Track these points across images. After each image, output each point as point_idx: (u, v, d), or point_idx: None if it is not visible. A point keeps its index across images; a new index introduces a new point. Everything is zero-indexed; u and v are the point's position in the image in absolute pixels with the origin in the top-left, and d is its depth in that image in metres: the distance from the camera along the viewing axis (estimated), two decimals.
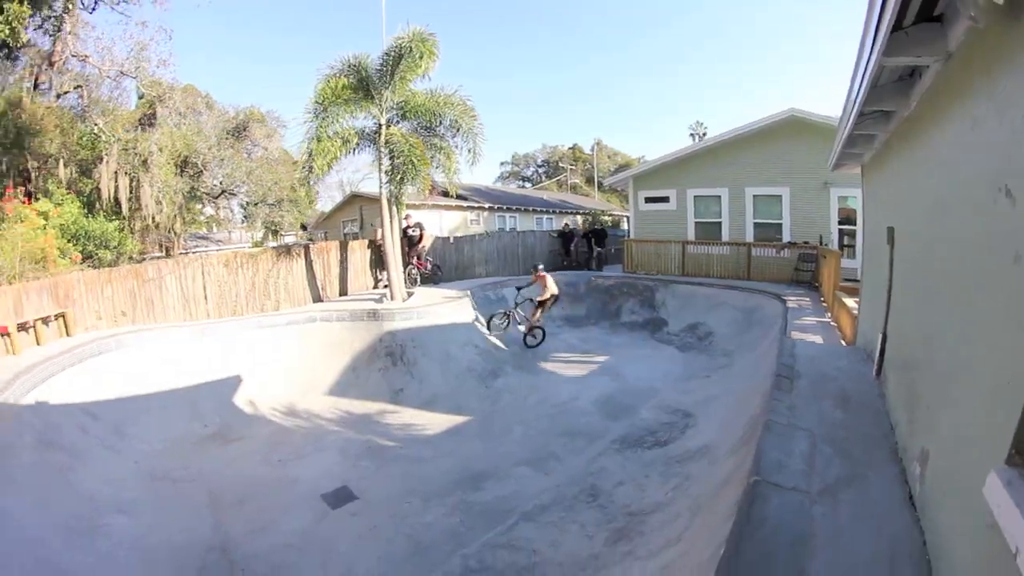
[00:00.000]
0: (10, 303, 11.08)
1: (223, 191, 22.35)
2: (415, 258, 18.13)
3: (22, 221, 13.83)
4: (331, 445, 10.48)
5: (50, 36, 18.21)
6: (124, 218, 18.00)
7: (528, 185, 64.69)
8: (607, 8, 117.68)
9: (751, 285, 16.64)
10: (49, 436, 8.91)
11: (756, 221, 19.76)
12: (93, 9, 18.53)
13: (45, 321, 11.83)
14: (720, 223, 20.35)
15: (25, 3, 15.46)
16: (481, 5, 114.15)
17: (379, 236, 17.97)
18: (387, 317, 14.52)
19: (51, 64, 18.93)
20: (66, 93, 19.94)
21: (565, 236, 24.24)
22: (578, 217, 32.01)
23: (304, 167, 15.28)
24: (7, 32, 14.47)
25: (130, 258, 16.19)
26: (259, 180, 21.10)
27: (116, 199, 18.05)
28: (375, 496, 8.40)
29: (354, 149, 15.77)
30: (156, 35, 19.56)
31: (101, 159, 18.02)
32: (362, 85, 15.21)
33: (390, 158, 15.54)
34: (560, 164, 67.24)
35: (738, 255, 18.67)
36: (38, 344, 11.44)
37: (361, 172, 41.45)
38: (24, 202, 14.62)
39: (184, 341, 12.94)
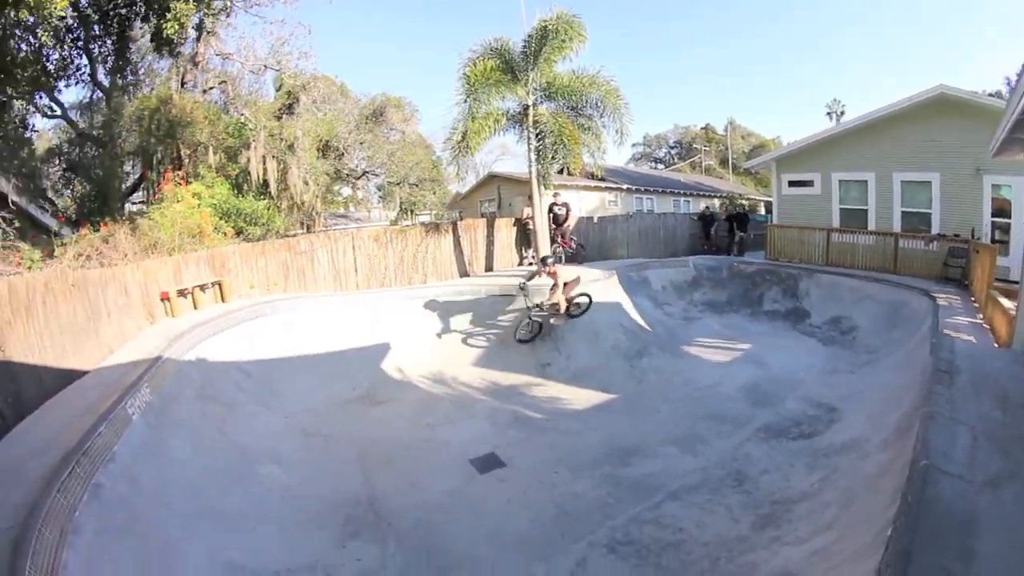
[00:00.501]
0: (170, 272, 11.52)
1: (364, 172, 22.81)
2: (560, 237, 17.63)
3: (179, 201, 14.44)
4: (479, 413, 10.48)
5: (194, 38, 18.99)
6: (272, 198, 18.64)
7: (660, 167, 60.70)
8: None
9: (897, 279, 15.14)
10: (208, 390, 9.18)
11: (903, 210, 17.90)
12: (229, 13, 19.15)
13: (203, 288, 12.26)
14: (866, 210, 18.61)
15: (191, 1, 16.12)
16: None
17: (525, 214, 17.99)
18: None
19: (195, 64, 19.89)
20: (211, 89, 20.91)
21: (705, 219, 23.18)
22: (715, 200, 30.47)
23: (455, 146, 15.21)
24: (175, 28, 15.06)
25: (277, 234, 16.73)
26: (400, 161, 21.32)
27: (264, 180, 18.73)
28: (523, 464, 8.34)
29: (501, 129, 15.71)
30: (295, 30, 20.21)
31: (248, 145, 18.75)
32: (507, 67, 14.96)
33: (538, 137, 15.22)
34: (693, 145, 63.60)
35: (884, 246, 16.75)
36: (195, 309, 11.88)
37: (493, 154, 41.32)
38: (180, 184, 15.32)
39: (335, 309, 13.17)
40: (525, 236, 18.48)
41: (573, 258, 18.13)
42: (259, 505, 6.98)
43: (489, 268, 18.30)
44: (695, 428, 9.28)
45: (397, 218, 28.10)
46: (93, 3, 16.71)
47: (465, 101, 14.77)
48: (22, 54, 14.38)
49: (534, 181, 15.70)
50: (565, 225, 17.72)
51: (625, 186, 26.39)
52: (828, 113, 62.70)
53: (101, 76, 18.71)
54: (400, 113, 24.84)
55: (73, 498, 4.91)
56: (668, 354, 13.46)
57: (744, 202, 30.22)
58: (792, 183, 20.38)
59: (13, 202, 13.08)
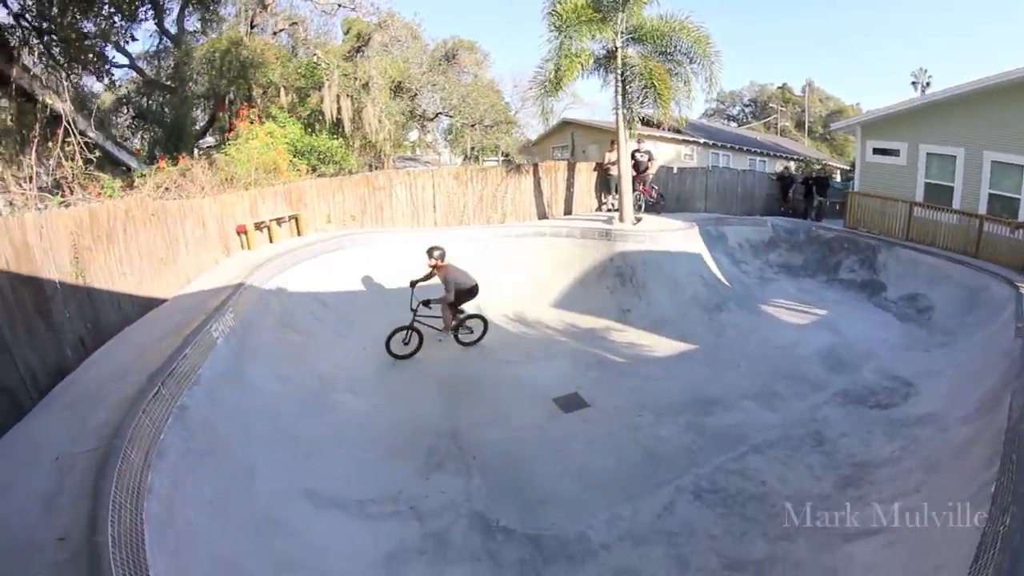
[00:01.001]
0: (247, 206, 11.38)
1: (437, 114, 22.30)
2: (641, 184, 16.76)
3: (253, 139, 14.24)
4: (560, 354, 10.27)
5: None
6: (345, 137, 18.23)
7: (734, 125, 56.09)
8: None
9: (978, 263, 13.90)
10: (286, 319, 9.05)
11: (991, 192, 16.03)
12: None
13: (279, 222, 12.08)
14: (952, 188, 16.78)
15: None
16: None
17: (608, 159, 17.03)
18: (620, 238, 13.68)
19: (264, 6, 19.48)
20: (280, 31, 20.44)
21: (784, 180, 21.62)
22: (791, 163, 28.74)
23: (546, 83, 14.35)
24: None
25: (350, 173, 16.28)
26: (474, 103, 20.73)
27: (337, 120, 18.19)
28: (606, 405, 8.17)
29: (587, 72, 14.62)
30: None
31: (320, 86, 18.18)
32: (597, 6, 13.89)
33: (627, 81, 14.24)
34: (768, 104, 59.22)
35: (968, 227, 15.18)
36: (271, 242, 11.70)
37: (563, 102, 40.30)
38: (253, 123, 15.09)
39: (412, 245, 12.55)
40: (605, 182, 17.70)
41: (653, 207, 17.40)
42: (337, 430, 6.94)
43: (568, 212, 17.70)
44: (773, 386, 9.04)
45: (464, 163, 27.72)
46: None
47: (557, 37, 13.92)
48: None
49: (620, 126, 14.69)
50: (646, 173, 16.90)
51: (702, 140, 25.25)
52: (913, 83, 56.92)
53: (167, 25, 18.55)
54: (472, 56, 24.13)
55: (158, 420, 4.68)
56: (745, 311, 12.98)
57: (819, 166, 28.76)
58: (877, 151, 18.81)
59: (90, 137, 12.82)
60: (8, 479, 3.73)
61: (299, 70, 18.89)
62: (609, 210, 17.20)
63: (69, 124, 11.17)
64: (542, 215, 16.95)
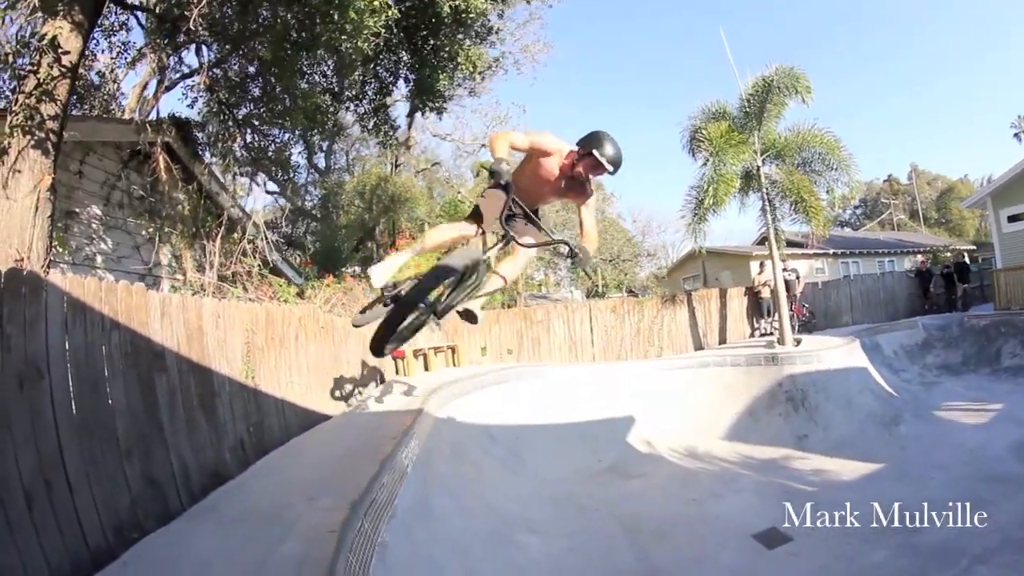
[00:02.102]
0: None
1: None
2: (792, 303, 15.92)
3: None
4: (745, 487, 9.28)
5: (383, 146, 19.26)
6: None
7: (848, 230, 53.83)
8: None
9: None
10: (458, 450, 8.34)
11: None
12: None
13: (436, 351, 11.78)
14: None
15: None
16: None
17: (757, 282, 16.76)
18: (786, 360, 12.86)
19: (407, 147, 20.20)
20: (422, 170, 21.16)
21: (922, 275, 19.98)
22: (918, 256, 26.98)
23: (695, 209, 14.19)
24: (468, 70, 14.06)
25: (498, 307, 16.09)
26: (612, 239, 20.60)
27: None
28: (809, 537, 7.21)
29: (736, 192, 14.32)
30: (510, 109, 19.92)
31: None
32: (739, 128, 14.05)
33: (769, 199, 14.11)
34: (880, 200, 55.60)
35: None
36: (426, 371, 11.33)
37: (681, 233, 39.73)
38: None
39: (575, 379, 12.22)
40: (757, 305, 17.08)
41: (805, 325, 16.56)
42: (524, 574, 6.12)
43: (723, 340, 16.81)
44: (976, 490, 8.04)
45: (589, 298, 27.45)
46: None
47: (707, 162, 13.89)
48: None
49: (772, 245, 14.31)
50: (795, 291, 16.15)
51: (831, 251, 24.27)
52: (1016, 134, 52.26)
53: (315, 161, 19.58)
54: (600, 193, 24.04)
55: (364, 560, 3.82)
56: (921, 420, 11.96)
57: (948, 254, 26.55)
58: (1012, 218, 17.34)
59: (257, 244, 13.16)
60: None
61: (443, 207, 19.37)
62: (762, 334, 16.58)
63: (245, 224, 11.39)
64: (698, 346, 16.11)
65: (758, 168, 13.94)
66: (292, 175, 16.59)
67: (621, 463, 10.30)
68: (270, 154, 12.90)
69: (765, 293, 16.13)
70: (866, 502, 8.03)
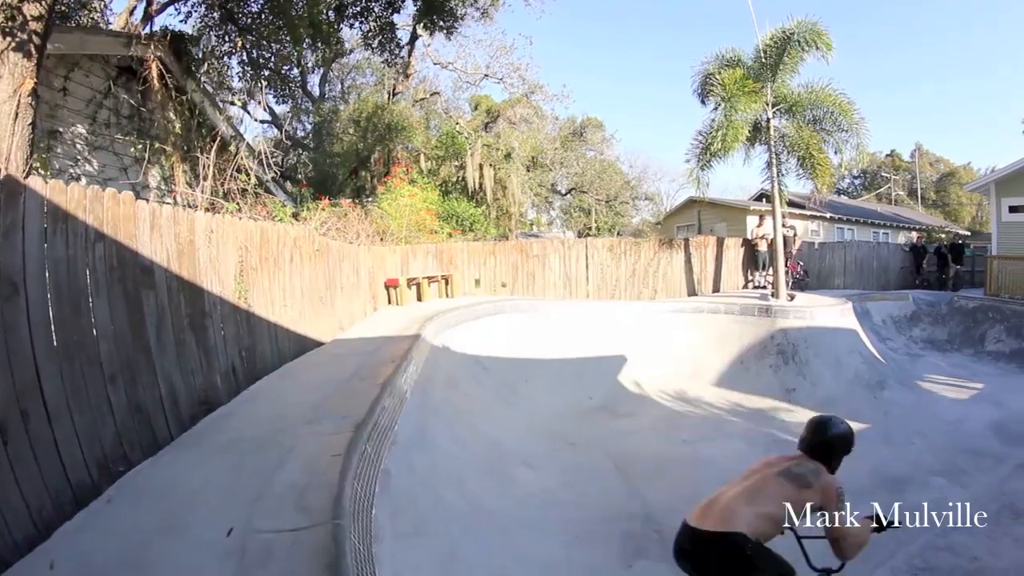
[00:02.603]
0: (398, 260, 10.97)
1: (571, 189, 21.68)
2: (787, 260, 15.71)
3: (403, 197, 13.79)
4: (734, 433, 9.24)
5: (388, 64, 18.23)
6: (487, 205, 17.80)
7: (844, 198, 53.42)
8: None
9: None
10: (451, 379, 8.16)
11: None
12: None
13: (429, 281, 11.47)
14: None
15: None
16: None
17: (756, 233, 16.39)
18: (780, 314, 12.71)
19: (407, 75, 19.13)
20: (421, 100, 20.15)
21: (917, 251, 19.91)
22: (912, 233, 26.77)
23: (699, 155, 13.67)
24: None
25: (494, 240, 15.72)
26: (610, 180, 20.08)
27: (479, 187, 17.75)
28: None
29: (743, 143, 13.73)
30: (516, 40, 19.11)
31: (457, 155, 17.98)
32: (753, 78, 13.33)
33: (776, 154, 13.66)
34: (879, 174, 54.01)
35: None
36: (419, 300, 11.05)
37: (677, 182, 39.12)
38: (399, 182, 14.64)
39: (569, 315, 12.00)
40: (753, 258, 16.74)
41: (798, 283, 16.33)
42: (521, 510, 5.89)
43: (716, 289, 16.46)
44: (954, 460, 8.45)
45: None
46: None
47: (718, 107, 13.33)
48: None
49: (776, 199, 14.03)
50: (791, 249, 15.84)
51: (828, 215, 23.83)
52: None
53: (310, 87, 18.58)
54: (600, 134, 23.68)
55: (368, 489, 3.51)
56: (905, 388, 11.94)
57: (943, 235, 26.58)
58: (1013, 208, 17.14)
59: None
60: (156, 556, 2.57)
61: (440, 138, 18.67)
62: (756, 287, 16.28)
63: (239, 144, 10.77)
64: (692, 292, 15.80)
65: (768, 120, 13.49)
66: (292, 91, 15.73)
67: (611, 402, 10.16)
68: (271, 65, 12.17)
69: (762, 246, 15.98)
70: (852, 460, 8.06)
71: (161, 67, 9.25)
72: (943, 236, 25.03)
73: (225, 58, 11.65)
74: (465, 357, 9.07)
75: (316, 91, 19.39)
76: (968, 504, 6.35)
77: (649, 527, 5.98)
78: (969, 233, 30.33)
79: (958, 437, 9.40)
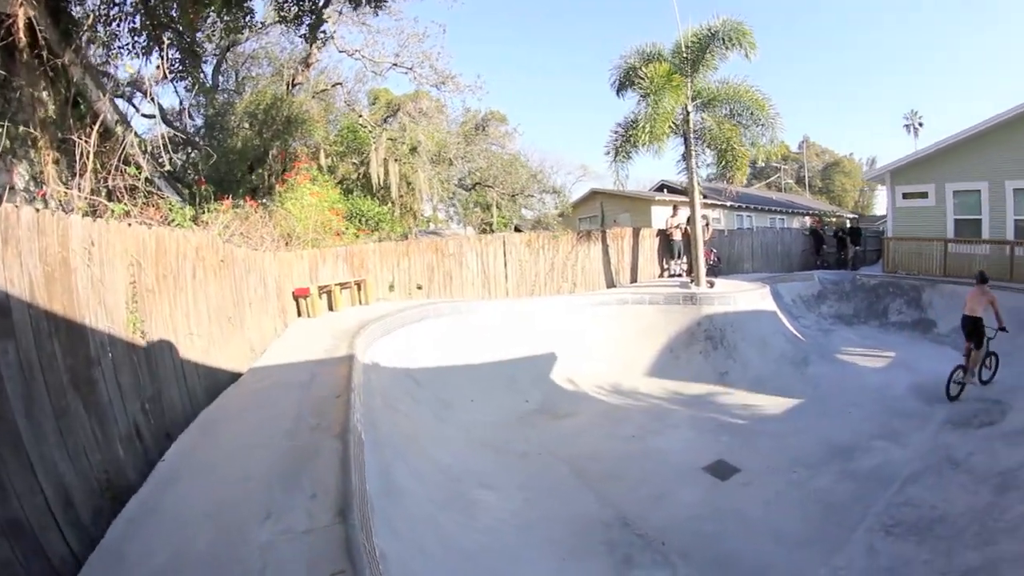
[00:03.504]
0: (306, 267, 9.88)
1: (476, 184, 20.70)
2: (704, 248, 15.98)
3: (306, 195, 12.48)
4: (678, 422, 9.19)
5: (305, 39, 16.63)
6: (392, 203, 16.62)
7: (727, 185, 56.59)
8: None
9: (1017, 286, 13.89)
10: (389, 400, 7.35)
11: (1017, 218, 16.07)
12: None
13: (342, 287, 10.43)
14: (979, 220, 16.70)
15: None
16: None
17: (670, 224, 16.31)
18: (705, 301, 12.78)
19: (307, 65, 17.47)
20: (322, 91, 18.31)
21: (817, 235, 21.40)
22: (806, 218, 28.39)
23: (621, 146, 13.35)
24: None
25: (398, 240, 14.58)
26: (516, 174, 19.33)
27: (385, 185, 16.47)
28: (756, 467, 7.54)
29: (664, 136, 13.46)
30: (429, 28, 17.46)
31: (359, 149, 16.79)
32: (680, 72, 13.40)
33: (691, 145, 13.73)
34: (771, 164, 55.40)
35: (1001, 255, 15.41)
36: (330, 309, 10.02)
37: (574, 175, 39.02)
38: (301, 180, 13.16)
39: (493, 316, 11.45)
40: (668, 247, 16.64)
41: (712, 270, 16.47)
42: (498, 539, 5.41)
43: (634, 279, 16.09)
44: (890, 424, 8.96)
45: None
46: None
47: (643, 100, 13.18)
48: None
49: (695, 190, 14.06)
50: (705, 237, 15.87)
51: (728, 203, 24.27)
52: (906, 125, 58.77)
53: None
54: (502, 128, 22.91)
55: None
56: (827, 361, 12.50)
57: (833, 220, 28.63)
58: (906, 195, 18.53)
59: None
60: None
61: (341, 132, 17.35)
62: (671, 275, 16.45)
63: (125, 135, 8.92)
64: (610, 283, 15.48)
65: (687, 113, 13.58)
66: (193, 68, 13.62)
67: (548, 403, 9.76)
68: (170, 34, 10.51)
69: (677, 236, 16.05)
70: (798, 434, 8.63)
71: (31, 27, 7.45)
72: (834, 220, 27.11)
73: (115, 23, 9.81)
74: (396, 372, 8.30)
75: (209, 81, 17.38)
76: (913, 461, 7.42)
77: (629, 533, 5.79)
78: (857, 216, 33.01)
79: (886, 402, 9.91)
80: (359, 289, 10.89)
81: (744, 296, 13.29)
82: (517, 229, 24.90)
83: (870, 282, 17.26)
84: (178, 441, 4.06)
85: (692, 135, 13.64)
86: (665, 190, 25.61)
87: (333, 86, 17.93)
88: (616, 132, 13.66)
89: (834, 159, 58.56)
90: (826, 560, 5.38)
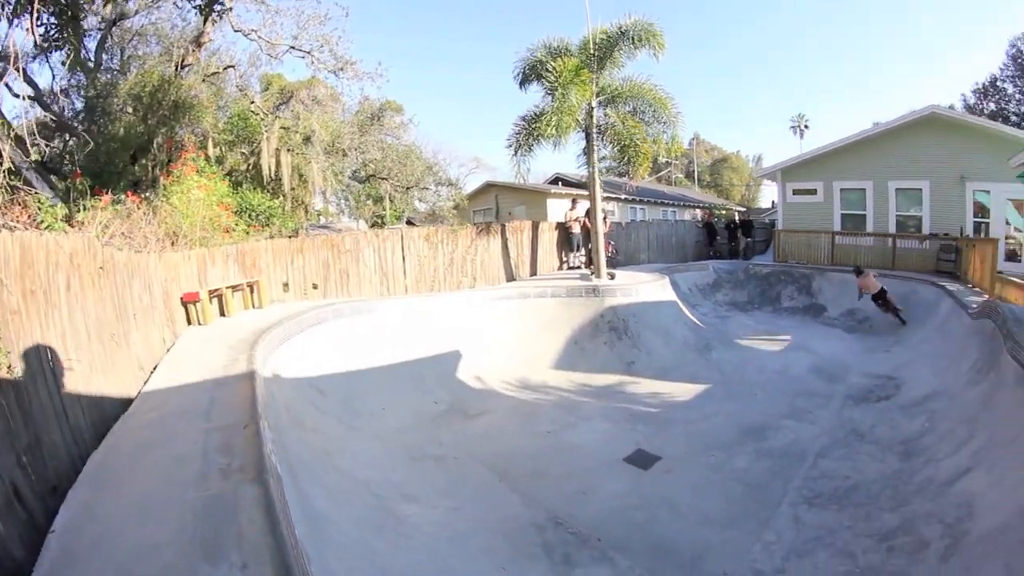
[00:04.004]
0: (194, 268, 8.89)
1: (370, 176, 19.76)
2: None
3: (194, 188, 11.19)
4: (591, 415, 9.10)
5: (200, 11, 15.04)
6: (284, 196, 15.44)
7: (627, 179, 57.75)
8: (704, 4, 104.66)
9: (897, 274, 15.72)
10: (294, 415, 6.77)
11: (898, 214, 18.50)
12: None
13: (234, 290, 9.56)
14: (864, 215, 19.03)
15: None
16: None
17: (568, 218, 16.51)
18: (607, 293, 12.80)
19: (199, 44, 15.77)
20: (213, 75, 16.65)
21: (709, 227, 22.84)
22: (697, 210, 29.66)
23: (524, 139, 13.22)
24: None
25: (289, 236, 13.56)
26: (412, 166, 18.59)
27: (276, 177, 15.32)
28: (675, 454, 7.59)
29: (567, 130, 13.47)
30: (331, 10, 16.14)
31: (250, 139, 15.48)
32: (588, 68, 13.44)
33: (593, 140, 13.78)
34: (661, 158, 61.74)
35: (883, 246, 17.58)
36: (223, 315, 9.15)
37: (467, 167, 38.45)
38: (187, 172, 11.75)
39: (393, 314, 10.87)
40: (568, 240, 16.79)
41: (610, 262, 16.47)
42: (429, 557, 4.95)
43: (534, 272, 16.04)
44: (795, 403, 9.31)
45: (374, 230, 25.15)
46: None
47: (551, 94, 13.09)
48: None
49: (596, 184, 14.12)
50: (605, 229, 16.01)
51: (623, 196, 24.55)
52: (793, 127, 63.80)
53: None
54: (398, 119, 22.05)
55: None
56: (728, 347, 12.92)
57: (723, 212, 30.24)
58: (796, 191, 20.46)
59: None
60: None
61: (230, 120, 16.01)
62: (570, 268, 16.64)
63: None
64: (510, 277, 15.25)
65: (591, 109, 13.60)
66: (78, 34, 11.71)
67: (458, 402, 9.40)
68: None
69: (576, 229, 16.27)
70: (710, 418, 8.82)
71: None
72: (724, 213, 28.80)
73: None
74: (299, 383, 7.69)
75: (92, 59, 15.37)
76: (821, 436, 7.81)
77: (563, 532, 5.62)
78: (745, 209, 35.67)
79: (789, 383, 10.34)
80: (252, 291, 10.05)
81: (645, 287, 13.40)
82: (409, 222, 24.40)
83: (762, 271, 18.44)
84: (68, 500, 3.34)
85: (595, 130, 13.57)
86: (560, 183, 25.81)
87: (225, 69, 16.21)
88: (519, 125, 13.51)
89: (723, 155, 62.66)
90: (757, 536, 5.50)
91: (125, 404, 5.04)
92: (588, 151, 13.79)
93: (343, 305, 10.30)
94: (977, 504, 5.01)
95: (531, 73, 13.71)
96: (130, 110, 13.92)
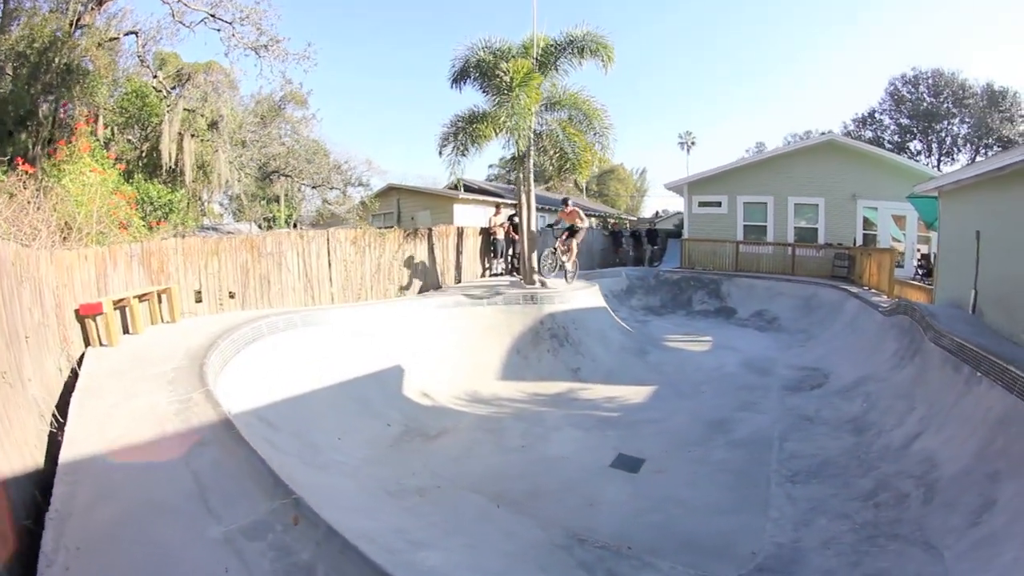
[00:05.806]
0: (93, 272, 7.00)
1: (274, 171, 17.93)
2: (518, 247, 15.86)
3: (86, 175, 9.10)
4: (559, 423, 8.85)
5: None
6: (185, 188, 13.71)
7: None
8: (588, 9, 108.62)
9: (797, 279, 17.63)
10: None
11: (797, 225, 20.88)
12: None
13: (141, 299, 7.69)
14: (766, 226, 21.21)
15: None
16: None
17: (492, 223, 16.71)
18: (546, 300, 12.80)
19: (100, 3, 13.44)
20: (112, 40, 14.13)
21: (615, 235, 24.61)
22: (593, 219, 30.01)
23: (457, 145, 13.12)
24: None
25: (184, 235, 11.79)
26: (321, 163, 17.13)
27: (177, 165, 13.54)
28: (656, 454, 7.60)
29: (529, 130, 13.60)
30: None
31: (147, 120, 13.69)
32: (540, 71, 13.64)
33: (548, 148, 14.30)
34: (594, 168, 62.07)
35: (783, 254, 19.60)
36: (127, 332, 7.34)
37: (359, 168, 36.53)
38: (82, 151, 9.73)
39: (324, 327, 9.69)
40: (492, 245, 16.78)
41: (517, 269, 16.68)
42: None
43: (459, 279, 15.57)
44: (741, 397, 9.72)
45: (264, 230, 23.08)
46: None
47: (499, 95, 13.01)
48: None
49: (530, 190, 14.27)
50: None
51: (512, 201, 24.62)
52: (680, 143, 69.62)
53: None
54: (300, 113, 20.56)
55: None
56: (661, 349, 13.45)
57: (616, 220, 32.04)
58: (702, 203, 22.25)
59: None
60: None
61: (125, 96, 13.95)
62: (492, 274, 16.75)
63: None
64: (435, 284, 14.53)
65: (532, 115, 13.43)
66: None
67: (413, 423, 8.52)
68: None
69: (500, 235, 16.44)
70: (671, 417, 8.98)
71: None
72: (613, 221, 30.93)
73: None
74: (248, 417, 6.35)
75: None
76: (776, 423, 8.26)
77: (592, 548, 5.17)
78: (635, 218, 38.20)
79: (728, 379, 10.81)
80: (160, 301, 8.26)
81: (579, 294, 13.63)
82: (294, 225, 22.94)
83: (672, 277, 19.64)
84: None
85: (532, 136, 13.50)
86: (464, 188, 25.48)
87: (126, 34, 14.12)
88: (456, 126, 13.19)
89: (610, 167, 65.00)
90: (765, 516, 5.73)
91: (37, 484, 3.34)
92: (524, 157, 13.65)
93: (278, 318, 8.99)
94: (938, 458, 5.73)
95: (467, 71, 13.61)
96: (10, 71, 11.77)
